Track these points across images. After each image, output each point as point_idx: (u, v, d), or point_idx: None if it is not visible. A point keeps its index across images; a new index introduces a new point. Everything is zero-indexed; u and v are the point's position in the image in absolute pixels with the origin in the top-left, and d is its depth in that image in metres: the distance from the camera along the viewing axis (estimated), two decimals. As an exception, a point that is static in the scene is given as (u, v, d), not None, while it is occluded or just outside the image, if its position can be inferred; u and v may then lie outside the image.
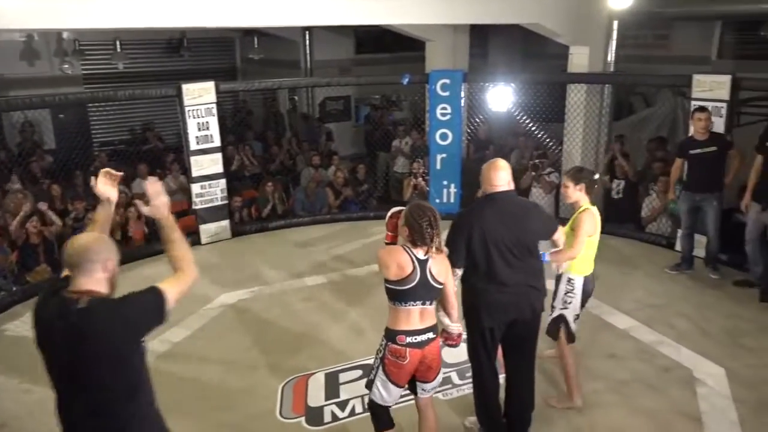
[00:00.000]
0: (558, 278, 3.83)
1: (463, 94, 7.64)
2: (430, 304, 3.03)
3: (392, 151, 9.30)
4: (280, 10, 6.27)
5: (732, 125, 5.74)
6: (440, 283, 3.01)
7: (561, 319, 3.80)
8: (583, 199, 3.67)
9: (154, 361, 4.56)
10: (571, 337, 3.85)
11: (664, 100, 8.90)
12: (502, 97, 7.89)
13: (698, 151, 5.60)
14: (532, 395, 3.60)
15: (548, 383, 4.15)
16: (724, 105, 5.90)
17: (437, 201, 7.72)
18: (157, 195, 2.49)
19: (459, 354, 4.30)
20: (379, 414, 3.21)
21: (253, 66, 12.57)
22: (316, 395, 4.16)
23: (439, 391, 4.06)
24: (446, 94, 7.55)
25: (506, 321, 3.37)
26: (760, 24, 8.71)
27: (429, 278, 2.96)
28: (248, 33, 12.32)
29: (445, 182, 7.74)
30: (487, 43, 12.26)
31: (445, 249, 3.08)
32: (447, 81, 7.53)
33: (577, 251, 3.58)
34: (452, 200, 7.70)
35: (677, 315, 5.13)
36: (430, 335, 3.04)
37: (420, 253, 2.95)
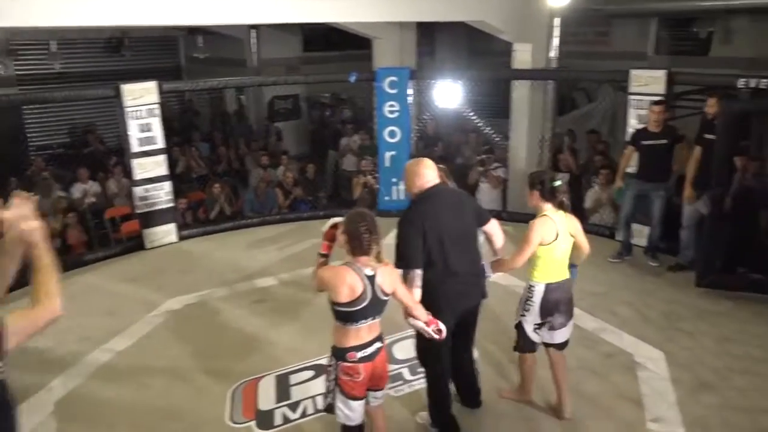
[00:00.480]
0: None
1: (410, 91, 7.69)
2: (379, 317, 3.01)
3: (341, 149, 9.29)
4: (224, 7, 6.17)
5: (667, 118, 5.95)
6: (388, 296, 2.97)
7: (518, 326, 3.71)
8: (541, 205, 3.52)
9: (96, 373, 4.48)
10: (528, 346, 3.72)
11: (605, 94, 9.20)
12: (449, 94, 7.98)
13: (651, 142, 5.79)
14: (474, 370, 3.85)
15: (500, 377, 4.24)
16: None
17: (387, 198, 7.76)
18: (21, 219, 2.10)
19: (409, 350, 4.36)
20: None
21: (198, 65, 12.34)
22: (266, 398, 4.12)
23: (390, 388, 4.08)
24: (394, 91, 7.59)
25: (462, 311, 3.47)
26: (693, 21, 9.10)
27: (379, 294, 2.91)
28: (192, 31, 12.08)
29: (394, 180, 7.77)
30: (434, 41, 12.37)
31: (388, 261, 3.00)
32: (394, 78, 7.57)
33: (519, 261, 3.50)
34: (402, 197, 7.74)
35: (619, 302, 5.31)
36: (378, 345, 3.03)
37: (368, 269, 2.88)
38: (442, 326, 3.21)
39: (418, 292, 3.26)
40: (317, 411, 3.90)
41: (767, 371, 4.23)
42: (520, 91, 7.61)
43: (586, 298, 5.38)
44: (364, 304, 2.87)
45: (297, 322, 5.13)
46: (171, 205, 7.04)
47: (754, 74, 5.79)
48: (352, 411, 3.04)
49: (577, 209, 7.18)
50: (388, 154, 7.76)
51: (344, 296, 2.85)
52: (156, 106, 6.67)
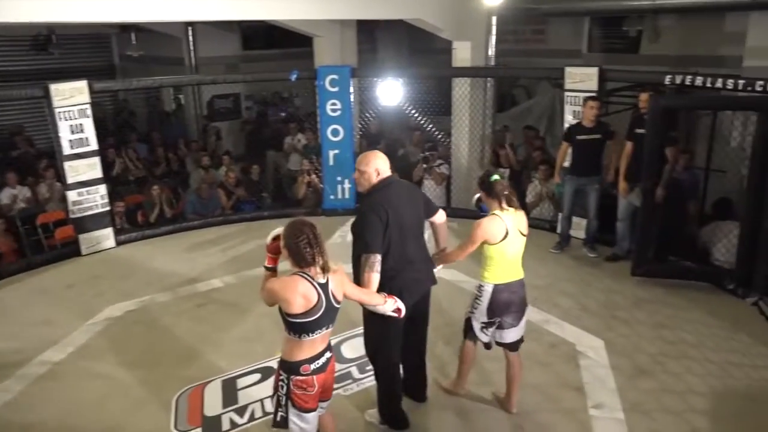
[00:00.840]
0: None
1: (352, 89, 7.68)
2: (332, 326, 2.95)
3: (285, 148, 9.19)
4: (157, 4, 5.98)
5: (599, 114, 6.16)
6: (340, 302, 2.91)
7: (467, 322, 3.75)
8: (490, 204, 3.51)
9: (32, 386, 4.28)
10: (472, 338, 3.74)
11: (543, 91, 9.44)
12: (391, 92, 8.01)
13: (585, 137, 5.99)
14: (425, 360, 3.88)
15: (438, 371, 4.27)
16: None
17: (332, 198, 7.73)
18: None
19: (358, 348, 4.36)
20: None
21: (133, 64, 11.94)
22: (213, 404, 4.03)
23: (339, 387, 4.09)
24: (335, 89, 7.56)
25: (418, 298, 3.52)
26: (623, 20, 9.46)
27: (333, 302, 2.86)
28: (125, 29, 11.67)
29: (339, 178, 7.74)
30: (375, 39, 12.40)
31: (337, 266, 2.94)
32: (335, 77, 7.54)
33: (460, 256, 3.57)
34: (347, 196, 7.73)
35: (561, 294, 5.47)
36: (328, 355, 2.98)
37: (319, 278, 2.80)
38: (401, 304, 3.25)
39: (376, 277, 3.25)
40: (265, 414, 3.85)
41: (700, 355, 4.44)
42: (461, 88, 7.72)
43: (529, 290, 5.32)
44: (319, 313, 2.79)
45: (242, 325, 5.05)
46: (107, 209, 6.79)
47: (680, 71, 6.08)
48: (307, 423, 2.98)
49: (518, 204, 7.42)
50: (331, 153, 7.72)
51: (299, 307, 2.75)
52: (87, 106, 6.41)
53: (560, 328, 4.87)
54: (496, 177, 3.49)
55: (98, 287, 5.85)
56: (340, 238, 6.57)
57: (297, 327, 2.81)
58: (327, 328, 2.91)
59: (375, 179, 3.43)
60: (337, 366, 4.28)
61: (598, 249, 6.27)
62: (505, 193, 3.47)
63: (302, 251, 2.76)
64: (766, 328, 4.81)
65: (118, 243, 6.92)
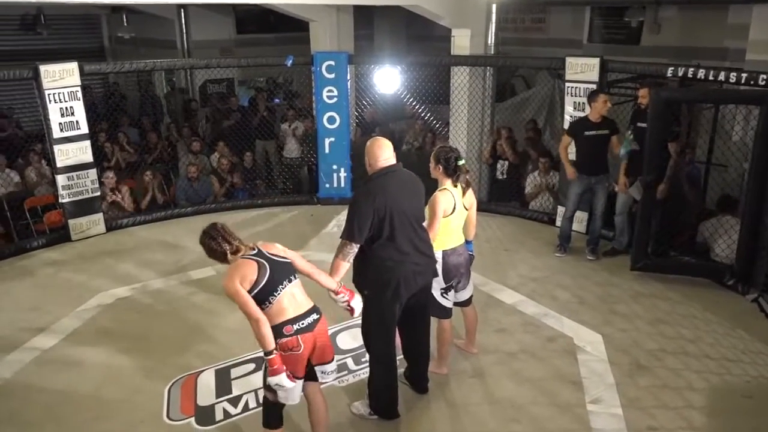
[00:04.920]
0: None
1: (349, 76, 7.63)
2: (295, 278, 3.10)
3: (281, 135, 9.11)
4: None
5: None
6: (286, 258, 3.12)
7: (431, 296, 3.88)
8: (443, 179, 3.82)
9: (20, 373, 4.24)
10: (443, 312, 3.97)
11: (543, 82, 9.40)
12: (388, 80, 7.96)
13: (593, 133, 5.80)
14: (429, 351, 3.92)
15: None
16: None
17: (327, 186, 7.69)
18: None
19: (355, 339, 4.36)
20: (274, 411, 3.22)
21: (124, 46, 11.83)
22: (206, 393, 4.02)
23: (336, 378, 4.06)
24: (332, 76, 7.49)
25: (415, 291, 3.51)
26: (625, 10, 9.43)
27: (274, 258, 3.06)
28: (116, 10, 11.53)
29: (334, 167, 7.70)
30: (372, 25, 12.31)
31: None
32: (332, 63, 7.47)
33: (436, 230, 3.75)
34: (342, 185, 7.68)
35: (559, 287, 5.46)
36: (315, 316, 3.10)
37: (249, 251, 3.07)
38: (356, 304, 3.34)
39: (345, 267, 3.37)
40: (259, 404, 3.83)
41: (697, 351, 4.45)
42: (460, 77, 7.68)
43: (527, 283, 5.53)
44: (267, 274, 2.98)
45: (236, 314, 4.91)
46: (97, 194, 6.72)
47: (682, 63, 6.05)
48: (291, 392, 3.05)
49: (517, 195, 7.41)
50: (327, 141, 7.67)
51: (248, 284, 2.96)
52: (78, 88, 6.34)
53: (558, 321, 4.87)
54: (462, 162, 3.81)
55: (89, 273, 5.81)
56: (336, 227, 6.54)
57: (258, 297, 2.98)
58: (289, 281, 3.06)
59: (377, 166, 3.43)
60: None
61: (599, 251, 6.09)
62: (463, 176, 3.83)
63: (213, 247, 3.11)
64: (766, 325, 4.83)
65: (109, 229, 6.86)
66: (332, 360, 3.23)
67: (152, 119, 10.05)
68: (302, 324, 3.02)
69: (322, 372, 3.19)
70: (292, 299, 3.04)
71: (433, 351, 4.01)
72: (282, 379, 2.97)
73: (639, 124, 5.66)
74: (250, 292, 2.96)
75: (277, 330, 2.99)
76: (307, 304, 3.10)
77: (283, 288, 3.02)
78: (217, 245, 3.09)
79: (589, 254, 6.08)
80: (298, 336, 3.01)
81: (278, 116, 9.82)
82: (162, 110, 11.23)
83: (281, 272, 3.04)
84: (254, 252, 3.06)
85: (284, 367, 2.98)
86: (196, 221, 7.22)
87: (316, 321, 3.09)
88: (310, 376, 3.19)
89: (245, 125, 8.84)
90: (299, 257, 3.23)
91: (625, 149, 5.76)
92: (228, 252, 3.08)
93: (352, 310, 3.36)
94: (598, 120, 5.81)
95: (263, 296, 2.99)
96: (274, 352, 2.96)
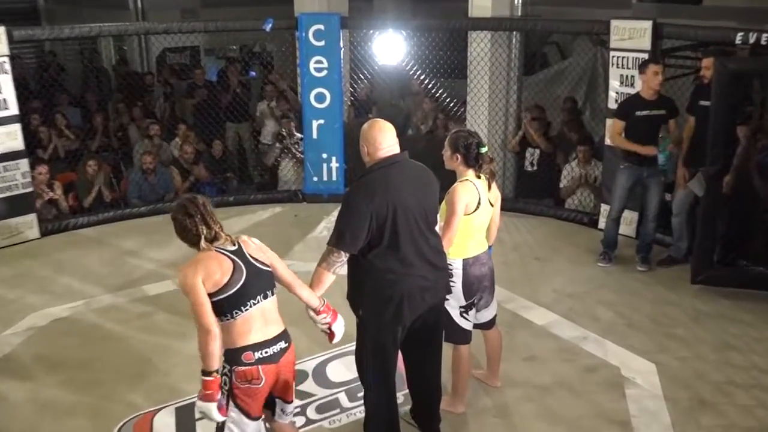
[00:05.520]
0: None
1: (342, 44, 7.64)
2: (272, 294, 3.06)
3: (258, 116, 9.13)
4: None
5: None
6: (267, 266, 3.07)
7: (445, 316, 3.83)
8: (463, 170, 3.81)
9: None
10: (461, 337, 3.92)
11: (582, 50, 9.40)
12: (391, 48, 7.97)
13: (647, 112, 5.75)
14: (440, 384, 3.83)
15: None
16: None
17: (315, 179, 7.70)
18: None
19: (349, 369, 4.36)
20: None
21: (62, 7, 11.88)
22: (164, 437, 4.03)
23: (324, 419, 4.11)
24: (321, 43, 7.53)
25: (424, 310, 3.48)
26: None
27: (256, 264, 3.00)
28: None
29: (324, 155, 7.72)
30: (371, -19, 12.34)
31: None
32: (321, 27, 7.51)
33: (453, 232, 3.71)
34: (334, 177, 7.70)
35: (601, 305, 5.47)
36: (282, 344, 3.06)
37: (228, 245, 2.99)
38: (338, 328, 3.31)
39: (329, 279, 3.34)
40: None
41: (774, 384, 4.47)
42: (479, 45, 7.68)
43: (562, 300, 5.54)
44: (242, 280, 2.93)
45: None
46: (29, 189, 6.76)
47: (754, 27, 6.03)
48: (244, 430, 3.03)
49: (551, 191, 7.41)
50: (315, 123, 7.69)
51: (212, 285, 2.88)
52: (5, 59, 6.41)
53: (601, 347, 4.87)
54: (485, 150, 3.79)
55: (19, 289, 5.84)
56: (326, 230, 6.55)
57: (220, 306, 2.91)
58: (264, 297, 3.01)
59: (377, 156, 3.38)
60: (322, 392, 4.34)
61: (652, 260, 6.10)
62: (488, 167, 3.83)
63: (187, 225, 2.95)
64: None
65: (44, 233, 6.91)
66: (292, 401, 3.23)
67: (98, 97, 10.05)
68: (266, 353, 2.98)
69: (281, 409, 3.19)
70: (260, 320, 2.99)
71: (446, 384, 4.01)
72: (210, 409, 2.93)
73: (701, 103, 5.67)
74: (212, 296, 2.90)
75: (234, 355, 2.96)
76: (277, 329, 3.06)
77: (255, 304, 2.97)
78: (192, 224, 2.95)
79: (640, 264, 6.08)
80: (259, 366, 2.96)
81: (254, 93, 9.84)
82: (110, 86, 11.24)
83: (258, 284, 2.99)
84: (233, 249, 2.99)
85: (218, 397, 2.95)
86: (152, 223, 7.26)
87: (283, 351, 3.04)
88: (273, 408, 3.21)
89: (213, 104, 8.88)
90: (281, 262, 3.19)
91: (664, 154, 5.80)
92: (203, 236, 2.96)
93: (332, 335, 3.34)
94: (652, 98, 5.78)
95: (227, 308, 2.93)
96: (214, 374, 2.93)
